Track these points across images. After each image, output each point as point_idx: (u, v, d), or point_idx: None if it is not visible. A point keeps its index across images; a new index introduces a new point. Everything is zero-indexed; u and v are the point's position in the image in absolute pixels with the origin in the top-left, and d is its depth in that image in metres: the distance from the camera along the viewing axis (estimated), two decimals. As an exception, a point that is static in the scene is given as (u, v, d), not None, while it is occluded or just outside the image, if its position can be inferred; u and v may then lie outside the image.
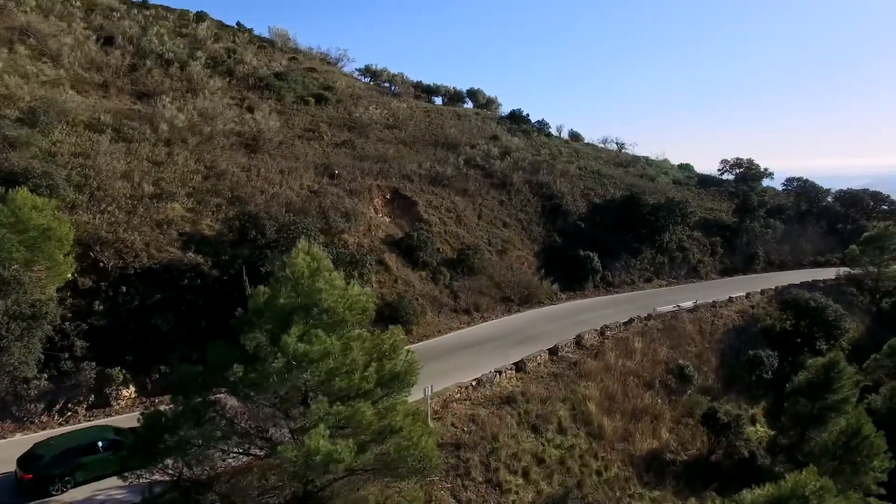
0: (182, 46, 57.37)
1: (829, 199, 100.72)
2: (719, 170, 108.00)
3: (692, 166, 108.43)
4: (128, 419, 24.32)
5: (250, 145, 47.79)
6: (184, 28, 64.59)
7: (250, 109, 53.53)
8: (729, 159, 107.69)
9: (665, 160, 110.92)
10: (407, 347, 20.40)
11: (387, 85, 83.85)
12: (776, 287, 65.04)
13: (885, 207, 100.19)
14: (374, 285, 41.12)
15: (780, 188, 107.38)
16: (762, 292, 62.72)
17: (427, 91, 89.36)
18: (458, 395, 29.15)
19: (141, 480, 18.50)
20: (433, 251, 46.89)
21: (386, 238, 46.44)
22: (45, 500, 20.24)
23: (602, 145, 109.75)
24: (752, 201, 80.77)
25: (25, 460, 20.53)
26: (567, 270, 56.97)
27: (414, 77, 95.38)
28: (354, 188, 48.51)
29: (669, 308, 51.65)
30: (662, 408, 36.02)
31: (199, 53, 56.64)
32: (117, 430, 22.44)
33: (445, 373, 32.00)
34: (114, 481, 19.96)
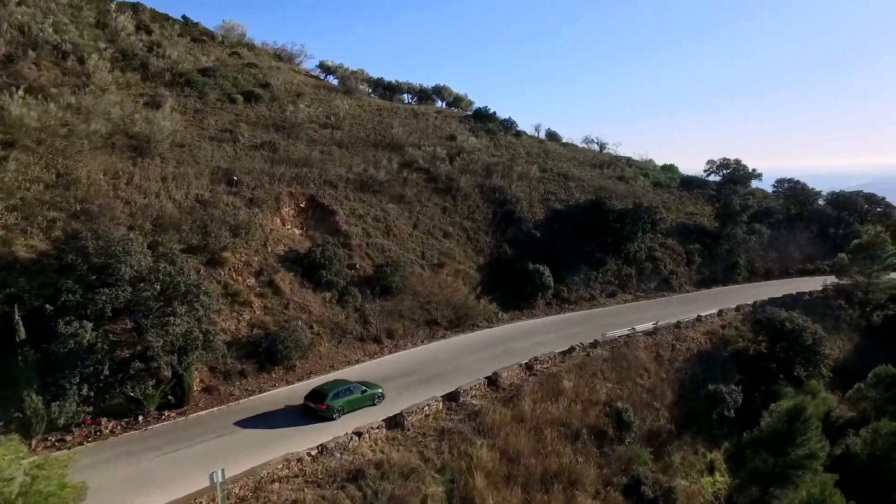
0: (88, 38, 50.57)
1: (821, 201, 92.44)
2: (705, 171, 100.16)
3: (676, 167, 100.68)
4: None
5: (139, 148, 40.85)
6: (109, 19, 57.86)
7: (157, 107, 46.66)
8: (715, 160, 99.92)
9: (649, 161, 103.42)
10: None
11: (336, 82, 76.68)
12: (754, 302, 57.40)
13: (880, 210, 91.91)
14: (257, 311, 34.13)
15: (770, 190, 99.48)
16: (737, 308, 55.08)
17: (389, 88, 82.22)
18: (287, 470, 21.94)
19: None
20: (342, 268, 39.82)
21: (287, 254, 39.40)
22: (329, 422, 27.68)
23: (585, 146, 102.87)
24: (735, 205, 72.88)
25: (315, 396, 28.26)
26: (514, 286, 49.73)
27: (396, 77, 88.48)
28: (258, 196, 41.51)
29: (623, 332, 44.27)
30: (584, 469, 28.61)
31: (102, 45, 49.72)
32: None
33: (292, 433, 25.05)
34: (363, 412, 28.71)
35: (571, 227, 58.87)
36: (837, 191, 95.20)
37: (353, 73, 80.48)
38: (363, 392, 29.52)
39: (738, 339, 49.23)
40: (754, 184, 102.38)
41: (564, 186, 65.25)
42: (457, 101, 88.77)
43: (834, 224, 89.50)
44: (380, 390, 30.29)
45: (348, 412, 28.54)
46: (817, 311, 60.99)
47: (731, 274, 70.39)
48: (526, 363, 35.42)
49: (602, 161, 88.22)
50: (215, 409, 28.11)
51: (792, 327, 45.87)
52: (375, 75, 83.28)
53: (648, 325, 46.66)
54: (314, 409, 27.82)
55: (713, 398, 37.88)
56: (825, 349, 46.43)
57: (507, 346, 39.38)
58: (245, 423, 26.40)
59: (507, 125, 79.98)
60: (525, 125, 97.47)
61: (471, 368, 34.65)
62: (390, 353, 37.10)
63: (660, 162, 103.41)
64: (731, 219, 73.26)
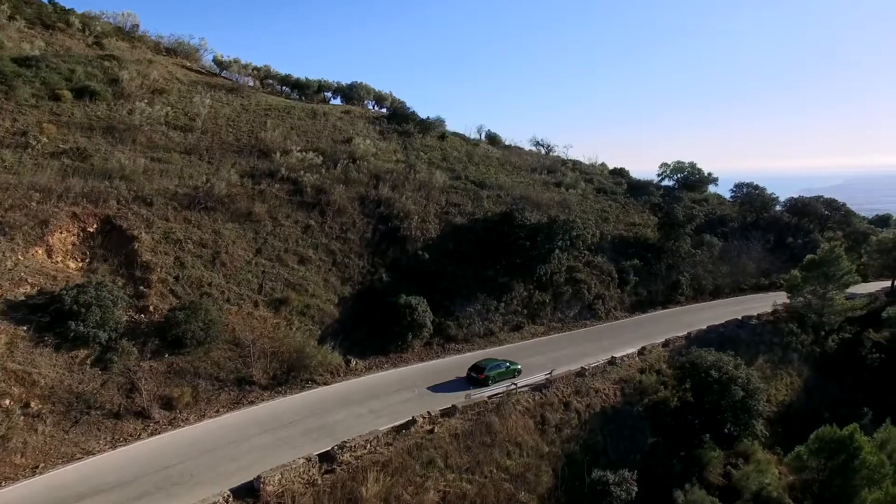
0: None
1: (779, 207, 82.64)
2: (658, 175, 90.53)
3: (627, 171, 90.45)
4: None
5: None
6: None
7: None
8: (669, 163, 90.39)
9: (601, 165, 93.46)
10: None
11: (232, 77, 65.88)
12: (688, 334, 47.28)
13: (840, 216, 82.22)
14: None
15: (729, 195, 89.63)
16: (666, 343, 44.86)
17: (296, 86, 71.58)
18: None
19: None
20: (112, 316, 29.04)
21: (33, 297, 28.68)
22: (485, 388, 33.79)
23: (534, 149, 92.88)
24: (678, 215, 62.72)
25: (476, 369, 35.30)
26: (382, 325, 39.22)
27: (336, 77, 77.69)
28: (13, 220, 30.78)
29: (498, 389, 33.90)
30: None
31: None
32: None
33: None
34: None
35: (471, 246, 48.39)
36: (796, 196, 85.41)
37: (256, 69, 69.90)
38: (507, 367, 36.42)
39: (659, 388, 38.91)
40: (712, 188, 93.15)
41: (475, 197, 54.68)
42: (380, 100, 78.19)
43: (792, 232, 79.65)
44: (519, 367, 37.11)
45: (499, 381, 34.94)
46: (764, 341, 51.05)
47: (672, 294, 60.25)
48: (328, 451, 24.84)
49: (543, 166, 77.99)
50: None
51: (719, 376, 35.59)
52: (304, 75, 72.78)
53: (541, 377, 36.27)
54: (476, 378, 34.73)
55: (595, 487, 27.50)
56: (760, 403, 36.11)
57: (329, 418, 28.79)
58: None
59: (426, 126, 69.40)
60: (465, 127, 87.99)
61: (244, 462, 24.06)
62: (152, 434, 26.35)
63: (616, 165, 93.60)
64: (674, 230, 63.12)
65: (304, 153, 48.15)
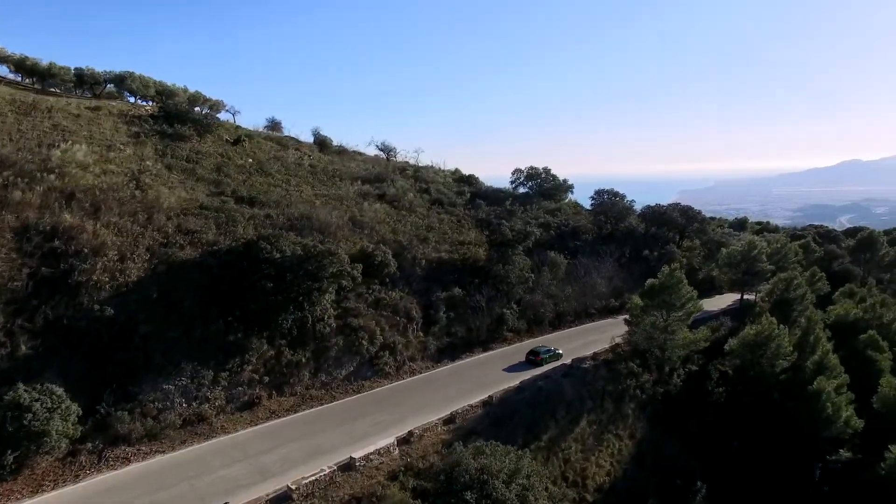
0: None
1: (634, 218, 74.15)
2: (511, 181, 79.99)
3: (477, 178, 79.13)
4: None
5: None
6: None
7: None
8: (522, 168, 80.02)
9: (455, 171, 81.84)
10: None
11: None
12: (491, 396, 35.39)
13: (697, 225, 74.87)
14: None
15: (590, 203, 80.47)
16: (451, 419, 32.59)
17: (35, 73, 54.21)
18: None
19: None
20: None
21: None
22: (539, 368, 41.44)
23: (377, 153, 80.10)
24: (506, 233, 51.34)
25: (532, 353, 43.54)
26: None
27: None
28: None
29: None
30: None
31: None
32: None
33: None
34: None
35: (197, 291, 33.93)
36: (653, 204, 77.39)
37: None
38: (554, 351, 44.11)
39: None
40: (571, 195, 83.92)
41: (228, 220, 40.18)
42: (166, 94, 61.81)
43: (649, 244, 71.15)
44: (560, 351, 44.70)
45: (549, 362, 42.53)
46: (594, 392, 40.24)
47: (499, 330, 48.67)
48: None
49: (372, 174, 64.89)
50: None
51: (477, 501, 23.26)
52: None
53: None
54: (534, 360, 42.80)
55: None
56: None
57: None
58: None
59: (206, 125, 54.23)
60: (301, 131, 74.11)
61: None
62: None
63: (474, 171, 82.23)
64: (503, 250, 51.73)
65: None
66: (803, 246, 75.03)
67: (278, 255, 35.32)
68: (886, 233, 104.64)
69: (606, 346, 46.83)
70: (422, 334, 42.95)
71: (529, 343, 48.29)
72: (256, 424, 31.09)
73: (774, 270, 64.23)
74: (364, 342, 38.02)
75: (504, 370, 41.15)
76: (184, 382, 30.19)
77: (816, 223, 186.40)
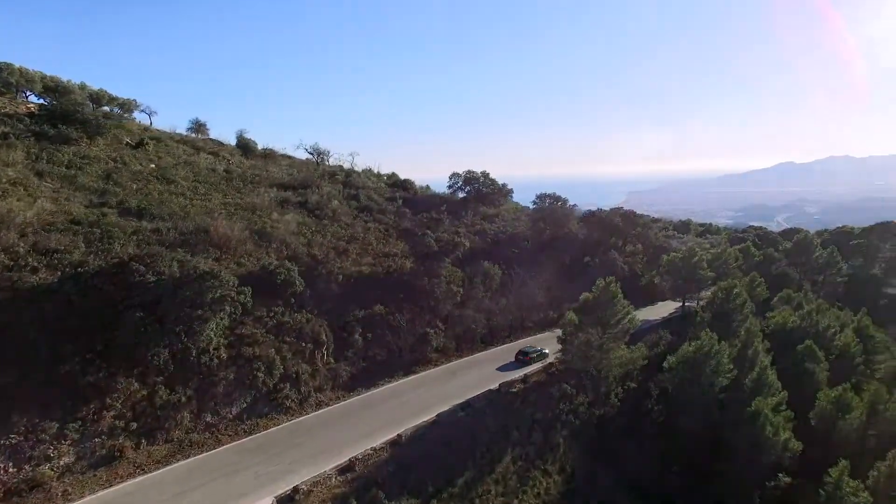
0: None
1: (575, 223, 71.25)
2: (450, 186, 75.92)
3: (413, 182, 74.83)
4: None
5: None
6: None
7: None
8: (460, 172, 76.07)
9: (391, 175, 77.38)
10: None
11: None
12: (399, 435, 30.95)
13: (638, 230, 72.61)
14: None
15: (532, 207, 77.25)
16: (349, 467, 27.94)
17: None
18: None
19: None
20: None
21: None
22: (527, 366, 43.73)
23: (312, 157, 74.97)
24: (430, 245, 47.10)
25: (521, 353, 45.51)
26: None
27: None
28: None
29: None
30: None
31: None
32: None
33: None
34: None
35: (42, 324, 28.20)
36: (594, 209, 74.81)
37: None
38: (541, 351, 46.05)
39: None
40: (514, 198, 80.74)
41: (103, 236, 34.42)
42: (59, 90, 54.71)
43: (590, 250, 68.33)
44: (546, 350, 46.24)
45: (537, 361, 44.76)
46: (521, 421, 36.37)
47: (424, 350, 44.35)
48: None
49: (296, 181, 59.83)
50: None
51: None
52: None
53: None
54: (524, 360, 44.81)
55: None
56: None
57: None
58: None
59: (98, 126, 47.95)
60: (222, 133, 68.16)
61: None
62: None
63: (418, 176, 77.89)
64: (429, 263, 47.48)
65: None
66: (742, 251, 73.77)
67: (153, 279, 30.03)
68: (819, 234, 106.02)
69: (539, 365, 43.22)
70: (332, 360, 38.18)
71: (457, 364, 44.23)
72: (113, 485, 25.67)
73: (715, 277, 62.43)
74: (260, 374, 32.97)
75: (419, 405, 36.74)
76: (13, 441, 24.51)
77: (756, 222, 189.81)
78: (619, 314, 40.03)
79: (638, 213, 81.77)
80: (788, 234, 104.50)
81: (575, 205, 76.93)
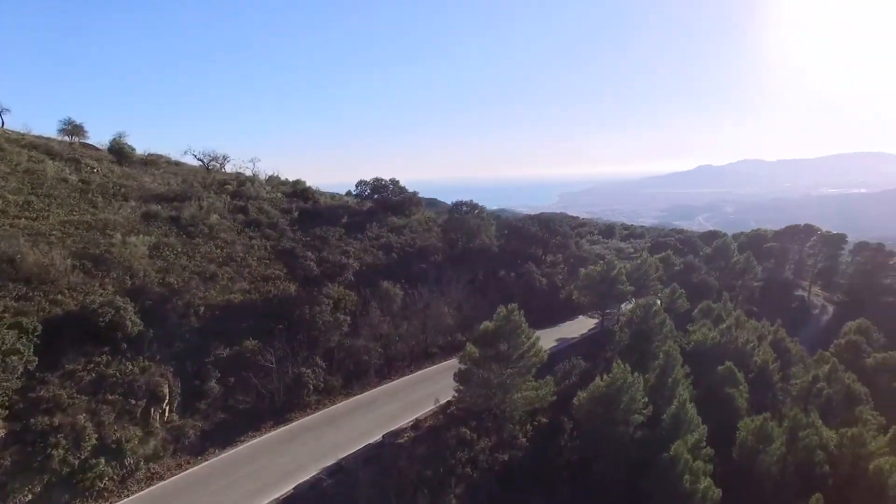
0: None
1: (490, 233, 65.99)
2: (356, 194, 69.19)
3: (314, 190, 67.32)
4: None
5: None
6: None
7: None
8: (367, 180, 69.39)
9: (295, 182, 69.50)
10: None
11: None
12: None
13: (559, 239, 68.31)
14: None
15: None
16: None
17: None
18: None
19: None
20: None
21: None
22: None
23: (201, 161, 66.32)
24: (309, 268, 40.20)
25: None
26: None
27: None
28: None
29: None
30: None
31: None
32: None
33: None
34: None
35: None
36: (518, 220, 69.95)
37: None
38: None
39: None
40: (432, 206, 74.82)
41: None
42: None
43: (506, 263, 63.28)
44: None
45: None
46: (410, 475, 30.16)
47: (300, 395, 37.28)
48: None
49: (171, 192, 51.49)
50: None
51: None
52: None
53: None
54: None
55: None
56: None
57: None
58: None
59: None
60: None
61: None
62: None
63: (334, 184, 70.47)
64: (309, 288, 40.59)
65: None
66: (663, 259, 70.97)
67: None
68: (735, 237, 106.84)
69: (434, 405, 37.17)
70: (176, 417, 30.63)
71: (343, 406, 37.56)
72: None
73: (635, 290, 58.87)
74: (60, 450, 25.07)
75: (281, 470, 29.84)
76: None
77: (679, 222, 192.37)
78: (523, 347, 34.54)
79: (570, 213, 77.89)
80: (708, 238, 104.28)
81: (493, 212, 72.00)
